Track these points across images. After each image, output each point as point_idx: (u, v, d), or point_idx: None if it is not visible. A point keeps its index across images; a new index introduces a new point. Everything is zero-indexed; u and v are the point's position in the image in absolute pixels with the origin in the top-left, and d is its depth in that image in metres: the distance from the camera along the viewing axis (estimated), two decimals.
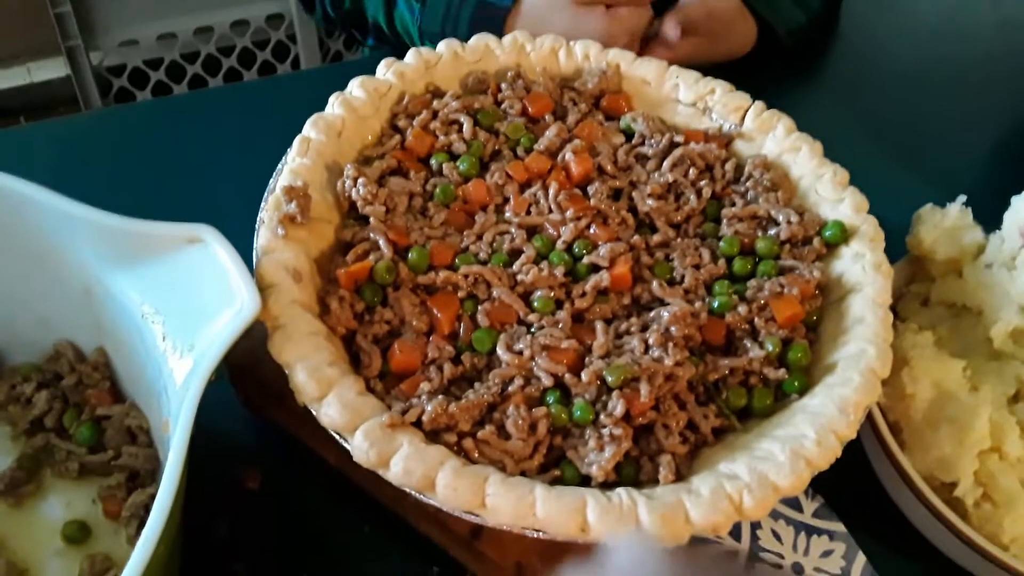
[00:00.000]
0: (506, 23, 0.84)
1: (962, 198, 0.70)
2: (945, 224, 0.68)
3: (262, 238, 0.54)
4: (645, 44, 0.86)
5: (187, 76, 1.68)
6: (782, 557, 0.64)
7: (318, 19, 1.05)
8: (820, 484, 0.65)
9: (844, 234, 0.62)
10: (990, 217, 0.69)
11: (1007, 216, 0.67)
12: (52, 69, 1.71)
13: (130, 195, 0.62)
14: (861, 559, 0.64)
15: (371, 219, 0.58)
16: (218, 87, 1.65)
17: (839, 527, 0.65)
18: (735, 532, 0.64)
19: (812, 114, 0.94)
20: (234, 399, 0.65)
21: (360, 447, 0.47)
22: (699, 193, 0.65)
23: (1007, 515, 0.57)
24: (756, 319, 0.58)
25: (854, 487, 0.65)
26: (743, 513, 0.48)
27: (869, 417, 0.62)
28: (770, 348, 0.56)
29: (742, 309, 0.58)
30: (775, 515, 0.66)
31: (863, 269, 0.60)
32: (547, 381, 0.53)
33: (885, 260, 0.61)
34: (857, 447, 0.63)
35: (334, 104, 0.64)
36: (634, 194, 0.64)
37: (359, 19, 0.97)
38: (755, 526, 0.65)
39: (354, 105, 0.64)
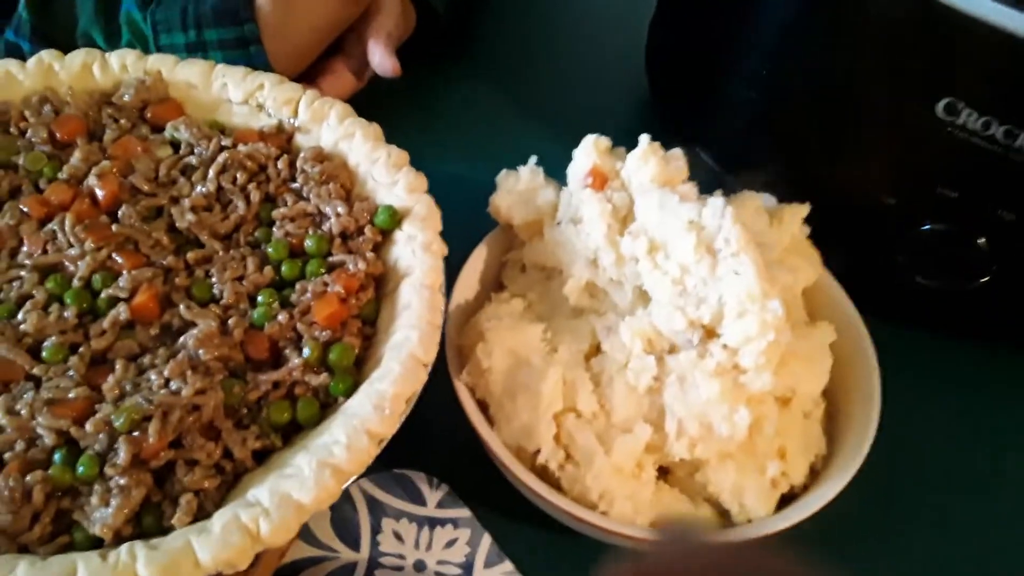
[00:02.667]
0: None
1: (533, 159, 0.70)
2: (519, 187, 0.69)
3: None
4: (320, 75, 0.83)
5: None
6: (403, 558, 0.63)
7: None
8: (444, 471, 0.65)
9: (396, 218, 0.61)
10: None
11: (569, 169, 0.68)
12: None
13: None
14: (487, 541, 0.64)
15: None
16: None
17: (464, 513, 0.65)
18: (353, 541, 0.63)
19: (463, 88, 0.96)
20: None
21: None
22: (248, 198, 0.62)
23: (588, 472, 0.58)
24: (299, 325, 0.56)
25: (477, 469, 0.64)
26: (261, 541, 0.46)
27: (458, 398, 0.61)
28: (307, 353, 0.54)
29: (283, 317, 0.56)
30: (396, 514, 0.65)
31: (413, 252, 0.59)
32: (50, 440, 0.49)
33: (437, 239, 0.60)
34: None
35: None
36: (173, 210, 0.61)
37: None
38: (376, 530, 0.64)
39: None
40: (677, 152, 0.67)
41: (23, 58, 0.69)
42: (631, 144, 0.69)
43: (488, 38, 1.06)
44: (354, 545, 0.63)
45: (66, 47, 0.71)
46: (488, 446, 0.60)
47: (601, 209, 0.63)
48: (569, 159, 0.70)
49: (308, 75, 0.81)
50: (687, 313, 0.59)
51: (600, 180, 0.66)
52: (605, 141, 0.68)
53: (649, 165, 0.65)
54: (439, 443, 0.65)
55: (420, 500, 0.66)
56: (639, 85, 0.98)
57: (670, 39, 0.90)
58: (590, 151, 0.67)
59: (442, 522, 0.65)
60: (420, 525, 0.65)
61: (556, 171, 0.71)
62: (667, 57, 0.91)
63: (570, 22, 1.10)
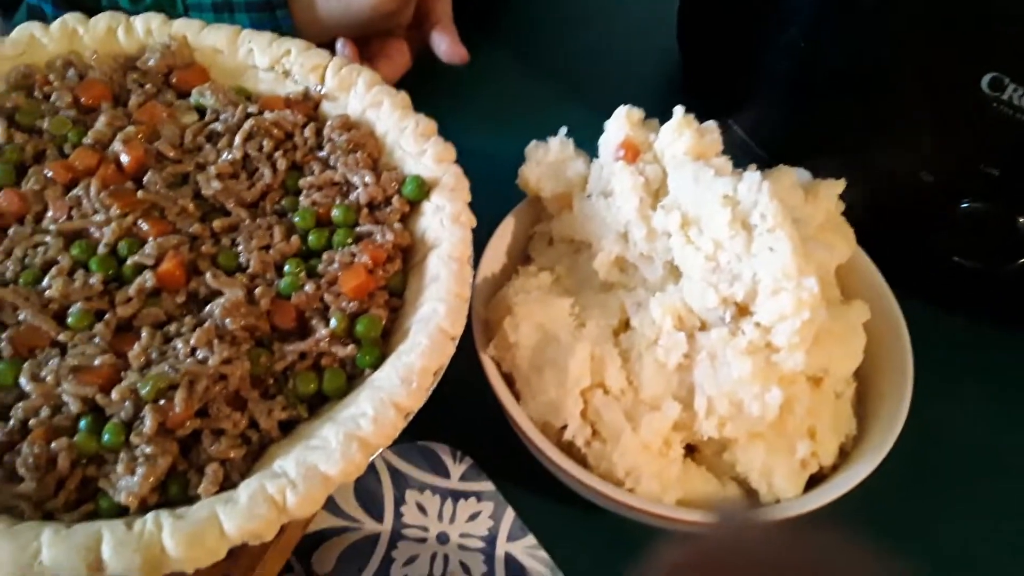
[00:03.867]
0: None
1: (564, 130, 0.70)
2: (548, 159, 0.68)
3: None
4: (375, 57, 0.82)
5: None
6: (426, 530, 0.63)
7: None
8: (468, 444, 0.65)
9: (424, 188, 0.61)
10: None
11: (601, 141, 0.68)
12: None
13: None
14: (510, 515, 0.64)
15: None
16: None
17: (487, 486, 0.65)
18: (377, 512, 0.63)
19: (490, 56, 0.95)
20: None
21: None
22: (274, 166, 0.62)
23: (615, 449, 0.58)
24: (326, 295, 0.56)
25: (501, 443, 0.65)
26: (288, 513, 0.47)
27: (484, 371, 0.61)
28: (334, 324, 0.54)
29: (310, 287, 0.56)
30: (420, 486, 0.65)
31: (441, 223, 0.59)
32: (75, 407, 0.49)
33: (465, 210, 0.60)
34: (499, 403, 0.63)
35: None
36: (199, 177, 0.61)
37: None
38: (399, 502, 0.64)
39: None
40: (711, 125, 0.66)
41: (46, 21, 0.68)
42: (660, 116, 0.68)
43: (516, 7, 1.05)
44: (378, 516, 0.63)
45: (89, 10, 0.70)
46: (514, 421, 0.60)
47: (633, 182, 0.63)
48: (597, 130, 0.70)
49: (363, 56, 0.80)
50: (720, 290, 0.58)
51: (632, 152, 0.65)
52: (638, 112, 0.67)
53: (683, 138, 0.64)
54: (463, 416, 0.65)
55: (444, 472, 0.66)
56: (669, 55, 0.97)
57: (704, 8, 0.88)
58: (622, 123, 0.66)
59: (465, 495, 0.65)
60: (443, 497, 0.65)
61: (584, 142, 0.71)
62: (700, 27, 0.90)
63: None
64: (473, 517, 0.64)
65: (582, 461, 0.60)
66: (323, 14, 0.78)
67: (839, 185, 0.67)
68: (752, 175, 0.60)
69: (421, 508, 0.64)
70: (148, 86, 0.66)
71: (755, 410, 0.56)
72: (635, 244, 0.63)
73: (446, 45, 0.83)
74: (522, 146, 0.71)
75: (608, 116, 0.69)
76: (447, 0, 0.86)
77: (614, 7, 1.06)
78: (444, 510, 0.64)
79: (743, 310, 0.59)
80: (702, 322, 0.60)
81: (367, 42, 0.82)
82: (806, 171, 0.69)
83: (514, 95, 0.94)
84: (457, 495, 0.65)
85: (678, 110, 0.66)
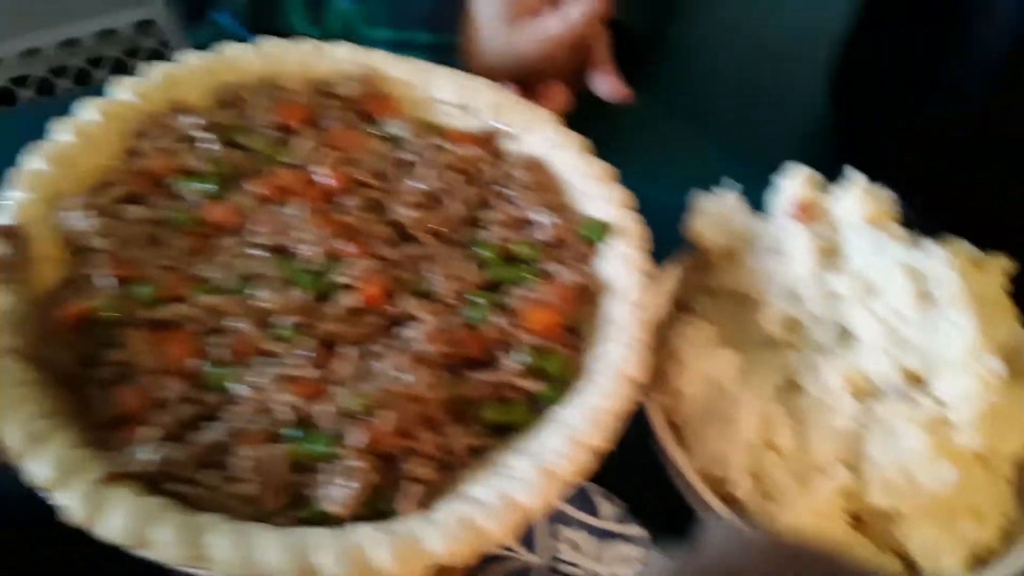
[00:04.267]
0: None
1: (732, 184, 0.72)
2: (719, 211, 0.71)
3: None
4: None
5: (56, 92, 1.62)
6: (578, 567, 0.65)
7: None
8: (620, 485, 0.67)
9: (605, 232, 0.64)
10: None
11: (773, 199, 0.70)
12: None
13: None
14: (661, 562, 0.66)
15: (97, 252, 0.57)
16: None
17: (639, 531, 0.67)
18: (532, 545, 0.66)
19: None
20: None
21: (69, 505, 0.47)
22: (461, 199, 0.66)
23: (780, 508, 0.60)
24: (513, 329, 0.59)
25: (656, 490, 0.66)
26: (486, 538, 0.49)
27: (649, 418, 0.64)
28: (524, 359, 0.57)
29: (499, 319, 0.59)
30: (574, 523, 0.67)
31: (622, 268, 0.62)
32: (286, 415, 0.53)
33: (645, 257, 0.63)
34: (654, 451, 0.65)
35: (60, 130, 0.62)
36: (391, 205, 0.64)
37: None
38: (553, 536, 0.66)
39: (86, 130, 0.63)
40: (887, 191, 0.68)
41: (227, 38, 0.73)
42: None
43: (664, 63, 1.08)
44: (532, 549, 0.65)
45: (277, 34, 0.75)
46: (677, 470, 0.62)
47: (809, 243, 0.65)
48: (749, 183, 0.73)
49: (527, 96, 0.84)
50: (896, 359, 0.60)
51: (808, 213, 0.67)
52: (814, 173, 0.70)
53: (860, 202, 0.66)
54: (618, 458, 0.67)
55: (596, 513, 0.68)
56: (820, 111, 0.99)
57: (868, 63, 0.90)
58: (800, 183, 0.69)
59: (618, 537, 0.67)
60: (596, 537, 0.67)
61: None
62: (862, 84, 0.91)
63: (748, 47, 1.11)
64: (624, 561, 0.66)
65: (740, 516, 0.62)
66: (489, 57, 0.82)
67: (1008, 262, 0.68)
68: (932, 246, 0.62)
69: (573, 545, 0.66)
70: (342, 112, 0.70)
71: (928, 485, 0.58)
72: (805, 304, 0.65)
73: (609, 85, 0.86)
74: (671, 195, 0.73)
75: (758, 169, 0.72)
76: (606, 44, 0.89)
77: (761, 60, 1.08)
78: (596, 550, 0.66)
79: (917, 380, 0.60)
80: (874, 389, 0.62)
81: (528, 86, 0.85)
82: (971, 244, 0.70)
83: (663, 144, 0.96)
84: (610, 536, 0.67)
85: (854, 173, 0.68)
